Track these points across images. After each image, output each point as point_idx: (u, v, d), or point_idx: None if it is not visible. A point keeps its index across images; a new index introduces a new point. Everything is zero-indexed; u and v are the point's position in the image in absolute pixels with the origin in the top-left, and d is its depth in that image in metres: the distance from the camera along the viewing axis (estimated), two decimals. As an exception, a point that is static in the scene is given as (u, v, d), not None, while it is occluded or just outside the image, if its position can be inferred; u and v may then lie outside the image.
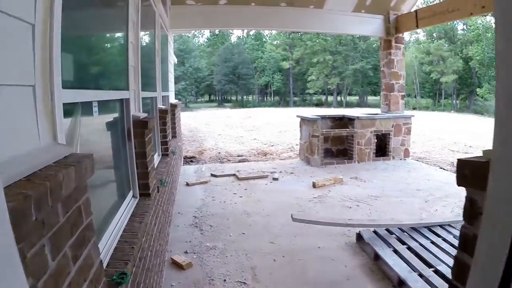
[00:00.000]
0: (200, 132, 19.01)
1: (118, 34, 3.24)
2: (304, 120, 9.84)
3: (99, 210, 2.56)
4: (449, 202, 6.54)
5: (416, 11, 9.29)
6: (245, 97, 60.62)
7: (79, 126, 2.05)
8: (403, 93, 10.47)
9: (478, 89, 40.62)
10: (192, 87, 57.19)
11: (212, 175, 8.39)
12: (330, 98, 57.45)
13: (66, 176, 1.27)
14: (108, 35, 3.00)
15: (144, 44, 4.76)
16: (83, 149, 2.28)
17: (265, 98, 60.94)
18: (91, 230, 1.60)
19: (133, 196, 3.42)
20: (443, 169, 9.65)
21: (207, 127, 21.86)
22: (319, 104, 55.73)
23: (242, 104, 54.95)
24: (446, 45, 43.95)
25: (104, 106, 2.75)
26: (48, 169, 1.29)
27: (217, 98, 64.00)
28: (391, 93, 10.23)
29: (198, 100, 65.24)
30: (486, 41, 38.88)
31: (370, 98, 58.62)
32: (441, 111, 41.91)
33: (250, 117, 28.49)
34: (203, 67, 55.62)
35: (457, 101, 44.85)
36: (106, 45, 2.96)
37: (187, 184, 7.64)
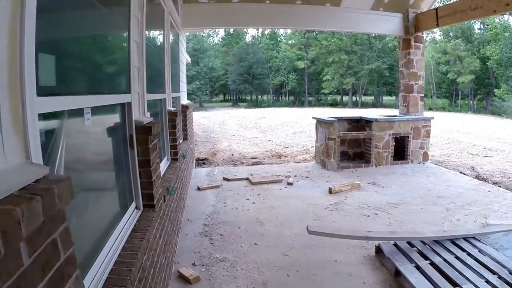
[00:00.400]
0: (214, 132, 18.79)
1: (118, 32, 2.97)
2: (320, 122, 9.51)
3: (94, 227, 2.32)
4: (472, 211, 6.17)
5: (436, 9, 8.89)
6: (259, 96, 60.39)
7: (63, 138, 1.78)
8: (422, 94, 10.05)
9: (496, 90, 39.56)
10: (207, 87, 57.18)
11: (225, 178, 8.13)
12: (345, 98, 56.96)
13: (27, 211, 1.00)
14: (104, 32, 2.70)
15: (151, 43, 4.52)
16: (76, 158, 2.05)
17: (279, 98, 60.60)
18: (71, 265, 1.33)
19: (136, 207, 3.16)
20: (464, 173, 9.26)
21: (221, 127, 21.65)
22: (334, 104, 55.27)
23: (256, 104, 54.71)
24: (463, 45, 42.95)
25: (103, 110, 2.50)
26: (6, 200, 1.03)
27: (231, 97, 63.89)
28: (410, 94, 9.84)
29: (213, 99, 65.21)
30: (504, 40, 37.94)
31: (386, 98, 57.99)
32: (458, 111, 41.10)
33: (264, 117, 28.21)
34: (217, 66, 55.50)
35: (474, 102, 43.86)
36: (102, 43, 2.67)
37: (198, 189, 7.38)
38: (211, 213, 6.03)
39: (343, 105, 54.18)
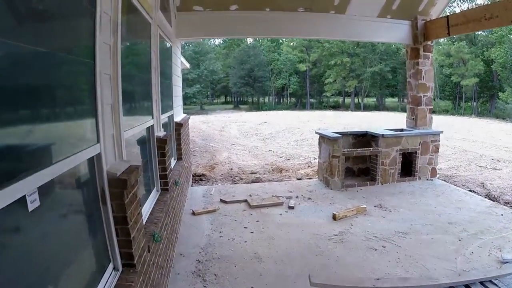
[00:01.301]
0: (213, 141, 18.28)
1: (76, 65, 2.34)
2: (323, 138, 8.99)
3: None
4: (485, 241, 5.69)
5: (447, 16, 8.37)
6: (261, 99, 59.93)
7: None
8: (431, 107, 9.51)
9: (500, 93, 39.02)
10: (208, 90, 56.74)
11: (222, 200, 7.62)
12: (347, 100, 56.45)
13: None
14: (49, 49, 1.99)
15: (134, 67, 4.04)
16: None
17: (281, 100, 60.15)
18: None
19: (114, 268, 2.69)
20: (474, 191, 8.76)
21: (221, 134, 21.14)
22: (336, 107, 54.84)
23: (258, 107, 54.28)
24: (467, 47, 42.33)
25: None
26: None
27: (233, 99, 63.45)
28: (418, 107, 9.32)
29: (214, 101, 64.76)
30: (509, 43, 37.28)
31: (388, 100, 57.50)
32: (461, 115, 40.56)
33: (265, 122, 27.62)
34: (218, 69, 54.95)
35: (478, 105, 43.33)
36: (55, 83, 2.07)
37: (193, 213, 6.87)
38: (205, 246, 5.53)
39: (346, 107, 53.70)
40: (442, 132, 9.56)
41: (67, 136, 2.16)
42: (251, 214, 6.91)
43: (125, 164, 2.85)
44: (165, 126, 6.11)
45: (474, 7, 7.94)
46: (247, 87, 54.97)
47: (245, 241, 5.71)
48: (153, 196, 4.61)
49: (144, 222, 3.64)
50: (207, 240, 5.73)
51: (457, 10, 40.31)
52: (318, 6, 8.46)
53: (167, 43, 6.69)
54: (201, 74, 51.24)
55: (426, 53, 9.24)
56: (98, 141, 2.45)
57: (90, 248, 2.49)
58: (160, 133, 5.04)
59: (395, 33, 9.20)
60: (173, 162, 6.62)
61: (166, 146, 4.93)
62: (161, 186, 4.95)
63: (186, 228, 6.21)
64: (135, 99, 3.96)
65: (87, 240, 2.46)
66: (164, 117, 5.81)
